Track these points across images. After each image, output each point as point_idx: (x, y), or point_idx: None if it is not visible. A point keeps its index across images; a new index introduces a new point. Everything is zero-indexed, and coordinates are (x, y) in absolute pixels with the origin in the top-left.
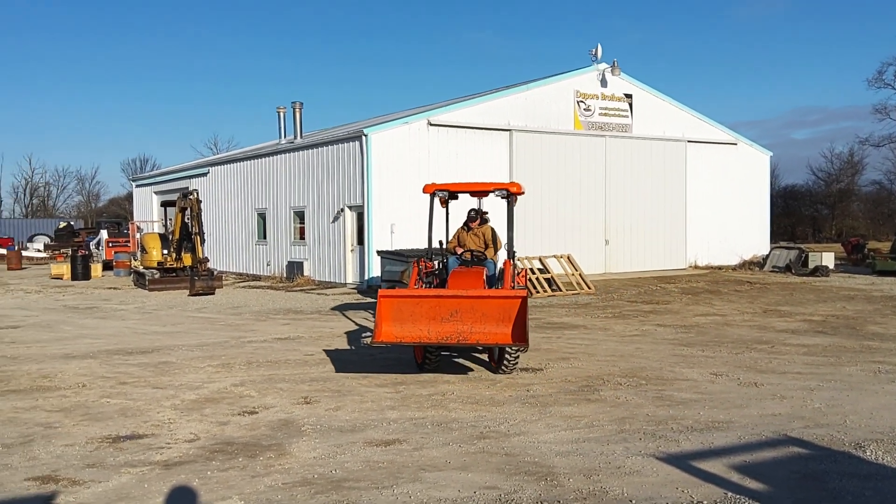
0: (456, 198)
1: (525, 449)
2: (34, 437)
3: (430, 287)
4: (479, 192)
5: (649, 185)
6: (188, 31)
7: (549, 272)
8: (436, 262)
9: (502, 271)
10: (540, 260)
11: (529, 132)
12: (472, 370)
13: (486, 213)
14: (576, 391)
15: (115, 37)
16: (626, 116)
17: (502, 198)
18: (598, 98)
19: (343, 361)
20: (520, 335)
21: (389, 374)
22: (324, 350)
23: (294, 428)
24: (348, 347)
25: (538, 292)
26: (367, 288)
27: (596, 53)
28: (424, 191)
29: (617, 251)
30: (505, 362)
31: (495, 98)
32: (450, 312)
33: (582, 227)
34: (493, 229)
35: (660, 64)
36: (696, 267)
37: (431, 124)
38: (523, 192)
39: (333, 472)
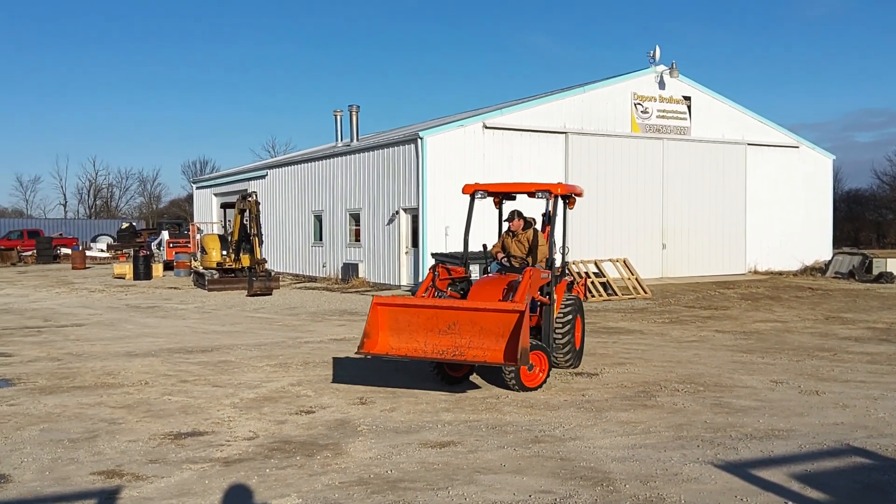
0: (513, 198)
1: (580, 454)
2: (99, 432)
3: (459, 294)
4: (521, 192)
5: (708, 188)
6: (247, 36)
7: (604, 276)
8: (475, 268)
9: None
10: (595, 264)
11: (585, 135)
12: None
13: (533, 218)
14: (632, 397)
15: (176, 43)
16: (685, 119)
17: (546, 199)
18: (655, 100)
19: (397, 363)
20: (512, 354)
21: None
22: None
23: (350, 428)
24: None
25: (593, 296)
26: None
27: (654, 55)
28: (464, 191)
29: (674, 255)
30: (508, 377)
31: (551, 101)
32: (447, 324)
33: (638, 231)
34: (536, 233)
35: (719, 65)
36: (756, 272)
37: (486, 127)
38: (578, 194)
39: (389, 472)
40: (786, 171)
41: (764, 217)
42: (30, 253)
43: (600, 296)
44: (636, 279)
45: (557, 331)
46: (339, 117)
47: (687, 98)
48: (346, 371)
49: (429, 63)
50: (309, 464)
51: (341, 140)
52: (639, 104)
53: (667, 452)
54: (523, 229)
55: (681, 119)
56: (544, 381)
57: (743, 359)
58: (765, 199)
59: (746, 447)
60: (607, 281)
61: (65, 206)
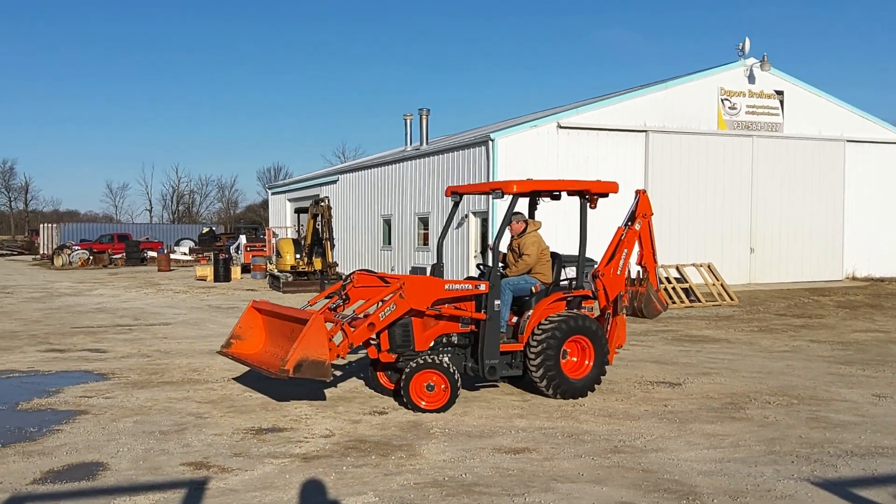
0: (556, 197)
1: (663, 465)
2: (187, 425)
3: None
4: (477, 193)
5: (801, 188)
6: (316, 42)
7: (687, 282)
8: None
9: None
10: (677, 269)
11: (667, 133)
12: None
13: (534, 221)
14: (718, 408)
15: (249, 53)
16: (777, 114)
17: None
18: (744, 95)
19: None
20: (295, 363)
21: (515, 383)
22: None
23: (423, 430)
24: None
25: (674, 303)
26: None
27: (743, 48)
28: (446, 194)
29: (763, 260)
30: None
31: (630, 98)
32: (290, 330)
33: (724, 235)
34: (534, 240)
35: (814, 57)
36: (854, 278)
37: (561, 127)
38: (597, 193)
39: (463, 475)
40: (890, 168)
41: (864, 219)
42: (119, 256)
43: (682, 303)
44: (721, 285)
45: (531, 352)
46: (409, 121)
47: (779, 92)
48: None
49: (500, 62)
50: (384, 463)
51: (411, 144)
52: (726, 100)
53: (758, 467)
54: (520, 235)
55: (772, 115)
56: (447, 405)
57: (841, 371)
58: (865, 200)
59: (846, 464)
60: (690, 287)
61: (150, 211)
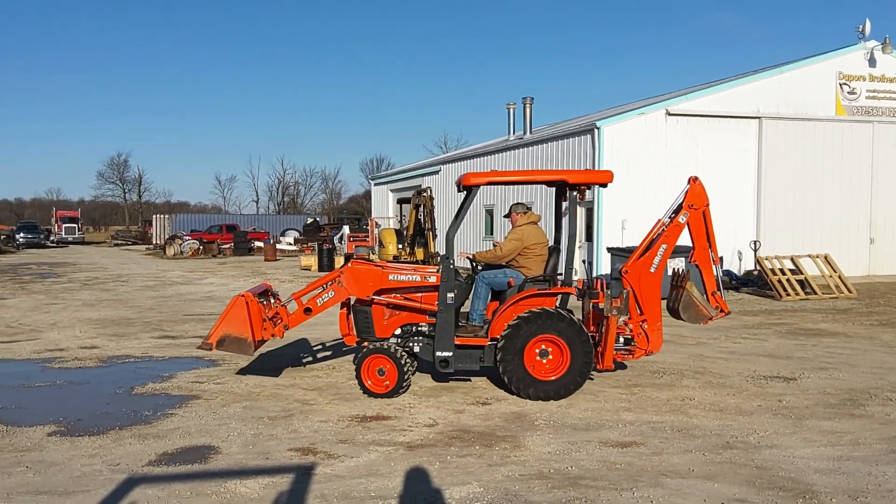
0: (573, 189)
1: (778, 463)
2: (294, 412)
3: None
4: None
5: None
6: (419, 34)
7: (801, 273)
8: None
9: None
10: (792, 259)
11: (782, 119)
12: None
13: (530, 214)
14: (836, 405)
15: (353, 46)
16: None
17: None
18: (864, 80)
19: None
20: (212, 337)
21: (623, 375)
22: None
23: (527, 421)
24: None
25: (788, 295)
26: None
27: (863, 30)
28: (464, 182)
29: (884, 251)
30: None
31: (741, 84)
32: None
33: (842, 225)
34: (517, 235)
35: None
36: None
37: (670, 114)
38: (596, 182)
39: (569, 468)
40: None
41: None
42: (228, 245)
43: (797, 295)
44: (839, 277)
45: (496, 348)
46: (512, 110)
47: None
48: None
49: (605, 49)
50: (488, 454)
51: (514, 133)
52: (845, 84)
53: (879, 467)
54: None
55: (895, 99)
56: (393, 391)
57: None
58: None
59: None
60: (805, 278)
61: (257, 202)
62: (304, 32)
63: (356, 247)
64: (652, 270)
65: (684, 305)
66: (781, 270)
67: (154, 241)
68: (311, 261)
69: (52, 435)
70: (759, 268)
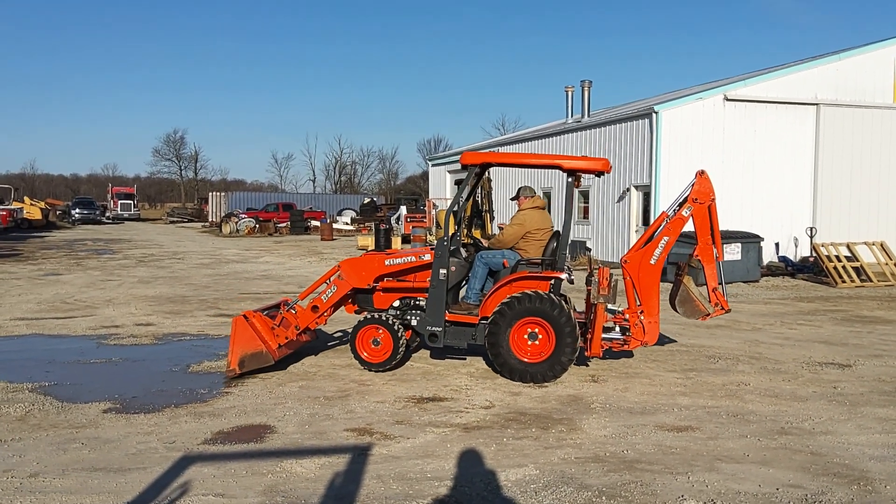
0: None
1: (833, 449)
2: (350, 392)
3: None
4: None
5: None
6: (476, 16)
7: (857, 260)
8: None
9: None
10: (848, 247)
11: (840, 106)
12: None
13: (535, 199)
14: (891, 392)
15: (409, 27)
16: None
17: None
18: None
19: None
20: (232, 363)
21: (678, 360)
22: None
23: (583, 405)
24: None
25: (844, 282)
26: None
27: None
28: (462, 161)
29: None
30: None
31: (800, 70)
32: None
33: None
34: (520, 219)
35: None
36: None
37: (728, 99)
38: (590, 170)
39: (625, 452)
40: None
41: None
42: (284, 224)
43: (853, 282)
44: (895, 264)
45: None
46: (570, 93)
47: None
48: None
49: (664, 33)
50: (544, 436)
51: (572, 116)
52: None
53: None
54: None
55: None
56: (387, 361)
57: None
58: None
59: None
60: (861, 266)
61: (313, 181)
62: (363, 9)
63: (413, 227)
64: (652, 262)
65: (681, 299)
66: (837, 257)
67: (210, 219)
68: (369, 241)
69: (107, 412)
70: (814, 254)
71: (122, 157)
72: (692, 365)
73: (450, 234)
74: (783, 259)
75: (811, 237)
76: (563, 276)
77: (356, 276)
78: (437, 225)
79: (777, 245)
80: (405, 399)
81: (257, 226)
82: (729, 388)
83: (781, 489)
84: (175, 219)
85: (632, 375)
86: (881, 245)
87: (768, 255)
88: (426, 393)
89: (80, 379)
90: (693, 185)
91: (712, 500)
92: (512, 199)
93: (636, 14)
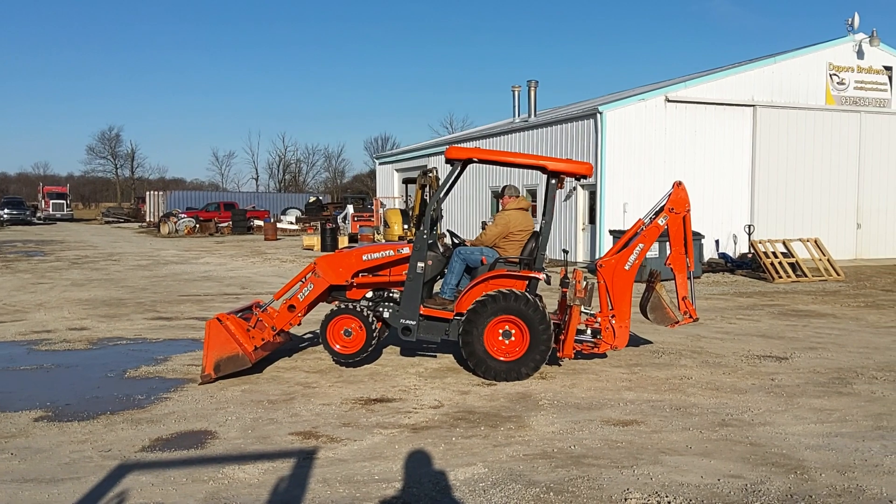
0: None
1: (771, 440)
2: (295, 395)
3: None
4: (503, 164)
5: None
6: (424, 14)
7: (793, 256)
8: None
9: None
10: (784, 243)
11: (775, 108)
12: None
13: (520, 199)
14: (825, 383)
15: (355, 23)
16: (885, 90)
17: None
18: (853, 71)
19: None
20: (207, 367)
21: (624, 355)
22: None
23: (532, 402)
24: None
25: (780, 277)
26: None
27: (852, 23)
28: (447, 156)
29: (870, 236)
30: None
31: (738, 72)
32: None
33: (831, 210)
34: (504, 219)
35: None
36: None
37: (669, 100)
38: (574, 173)
39: (572, 447)
40: None
41: None
42: (226, 224)
43: (789, 277)
44: (828, 260)
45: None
46: (517, 93)
47: (888, 68)
48: None
49: (607, 35)
50: (493, 435)
51: (519, 116)
52: (834, 75)
53: (865, 442)
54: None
55: (881, 91)
56: (360, 351)
57: None
58: None
59: None
60: (796, 262)
61: (256, 180)
62: (307, 7)
63: (360, 227)
64: (626, 268)
65: (652, 306)
66: (774, 254)
67: (147, 219)
68: (314, 240)
69: (38, 420)
70: (752, 251)
71: (54, 155)
72: (637, 360)
73: (428, 227)
74: (723, 256)
75: (749, 234)
76: (541, 276)
77: (333, 273)
78: (385, 224)
79: (717, 242)
80: (352, 401)
81: (197, 226)
82: (672, 381)
83: (722, 480)
84: (111, 219)
85: (579, 371)
86: (815, 241)
87: (709, 252)
88: (374, 394)
89: (9, 386)
90: (670, 195)
91: (656, 493)
92: (496, 197)
93: (580, 15)
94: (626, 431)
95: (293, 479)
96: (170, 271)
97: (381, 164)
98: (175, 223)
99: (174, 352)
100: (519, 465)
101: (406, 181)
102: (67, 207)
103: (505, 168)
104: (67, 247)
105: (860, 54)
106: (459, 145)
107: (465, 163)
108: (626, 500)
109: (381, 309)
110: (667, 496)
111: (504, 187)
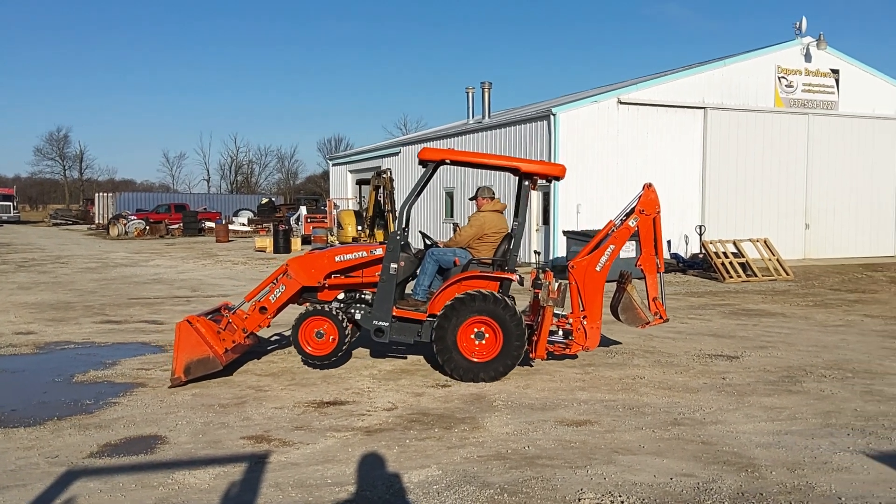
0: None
1: (722, 438)
2: (247, 399)
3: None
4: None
5: (856, 165)
6: (378, 16)
7: (743, 256)
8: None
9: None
10: (734, 243)
11: (725, 110)
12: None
13: (494, 202)
14: (775, 381)
15: (310, 24)
16: (832, 93)
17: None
18: (801, 74)
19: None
20: (177, 370)
21: (578, 355)
22: None
23: (486, 403)
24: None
25: (731, 277)
26: (552, 268)
27: (800, 27)
28: (420, 157)
29: (818, 236)
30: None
31: (689, 75)
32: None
33: (780, 211)
34: (478, 221)
35: (869, 37)
36: None
37: (621, 102)
38: (548, 175)
39: (526, 448)
40: None
41: None
42: (176, 226)
43: (739, 277)
44: (777, 260)
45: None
46: (471, 94)
47: (835, 71)
48: None
49: (561, 37)
50: (447, 436)
51: (473, 117)
52: (783, 78)
53: (815, 440)
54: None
55: (828, 93)
56: (332, 353)
57: (894, 345)
58: None
59: None
60: (747, 262)
61: (208, 181)
62: (259, 7)
63: (314, 228)
64: (598, 269)
65: (623, 307)
66: (725, 254)
67: (96, 221)
68: (266, 242)
69: None
70: (703, 251)
71: (0, 156)
72: (590, 360)
73: (402, 228)
74: (675, 256)
75: (700, 235)
76: (515, 277)
77: (305, 274)
78: (339, 225)
79: (669, 242)
80: (304, 404)
81: (148, 228)
82: (625, 381)
83: (675, 478)
84: (59, 221)
85: (533, 372)
86: (765, 242)
87: None
88: (326, 397)
89: None
90: (640, 197)
91: (610, 493)
92: (470, 198)
93: (535, 19)
94: (580, 431)
95: (245, 484)
96: (119, 274)
97: (334, 165)
98: (125, 225)
99: (123, 356)
100: (473, 467)
101: (360, 182)
102: (14, 209)
103: (460, 168)
104: (14, 249)
105: (808, 57)
106: (430, 146)
107: (438, 164)
108: (579, 500)
109: (353, 310)
110: (620, 496)
111: (478, 189)
